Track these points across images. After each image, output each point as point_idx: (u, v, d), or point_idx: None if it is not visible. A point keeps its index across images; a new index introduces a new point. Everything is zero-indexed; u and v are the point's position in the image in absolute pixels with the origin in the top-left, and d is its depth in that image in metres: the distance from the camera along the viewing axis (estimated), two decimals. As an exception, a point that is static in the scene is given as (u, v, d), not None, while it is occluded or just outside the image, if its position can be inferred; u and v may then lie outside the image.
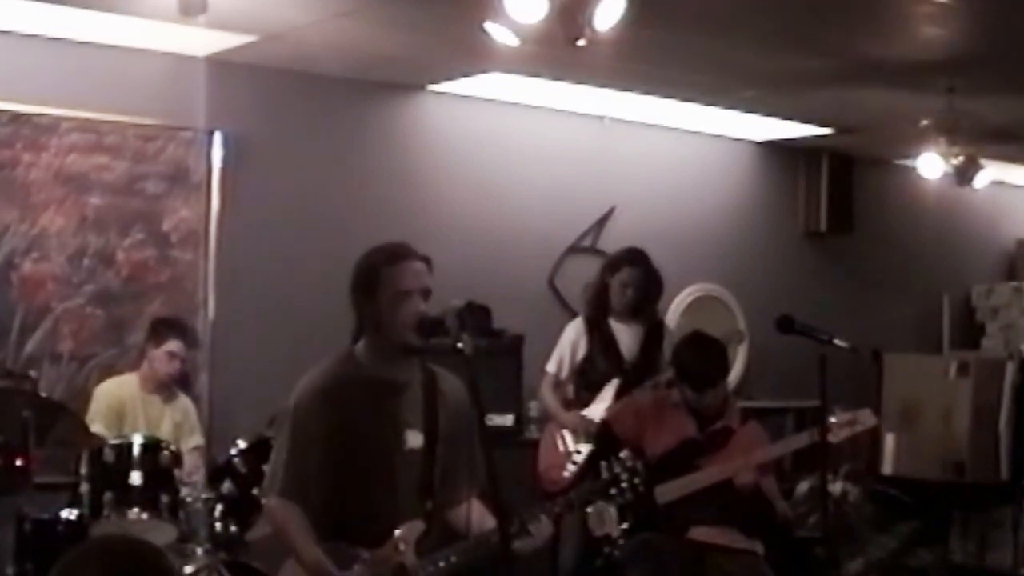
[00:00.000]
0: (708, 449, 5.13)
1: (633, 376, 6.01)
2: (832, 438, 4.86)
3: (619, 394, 5.95)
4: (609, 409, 5.85)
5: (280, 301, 6.40)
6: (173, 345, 5.66)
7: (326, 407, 3.47)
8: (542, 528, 3.45)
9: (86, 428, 5.17)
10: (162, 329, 5.72)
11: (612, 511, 4.92)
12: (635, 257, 6.20)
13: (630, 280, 6.10)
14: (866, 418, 5.02)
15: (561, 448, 6.01)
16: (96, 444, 4.95)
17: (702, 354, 5.22)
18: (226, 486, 5.07)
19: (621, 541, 5.04)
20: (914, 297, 9.22)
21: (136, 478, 4.87)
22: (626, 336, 6.14)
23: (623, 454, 3.74)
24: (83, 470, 4.92)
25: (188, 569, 4.85)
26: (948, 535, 7.67)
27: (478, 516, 3.50)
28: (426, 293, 3.49)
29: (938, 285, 9.36)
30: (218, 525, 5.01)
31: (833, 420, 4.91)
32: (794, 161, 8.60)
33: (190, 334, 5.79)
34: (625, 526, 5.01)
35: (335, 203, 6.69)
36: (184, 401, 5.81)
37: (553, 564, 6.01)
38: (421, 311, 3.45)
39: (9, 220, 5.82)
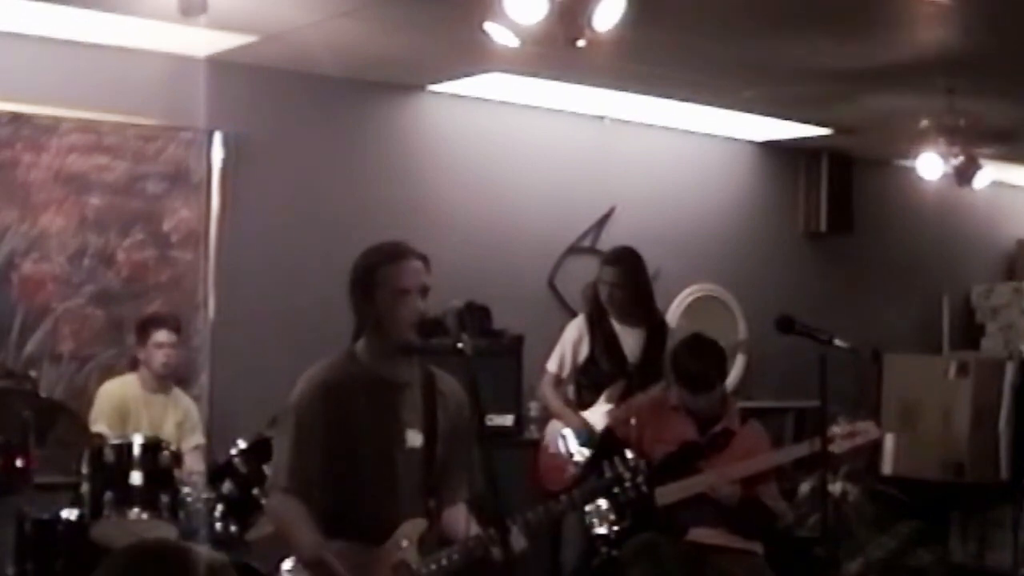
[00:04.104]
0: (708, 451, 5.13)
1: (637, 378, 6.00)
2: (835, 449, 4.86)
3: (623, 396, 5.94)
4: (611, 412, 5.84)
5: (280, 301, 6.40)
6: (160, 336, 5.66)
7: (328, 404, 3.48)
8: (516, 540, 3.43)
9: (86, 428, 5.17)
10: (145, 325, 5.73)
11: (610, 510, 4.93)
12: (616, 256, 6.19)
13: (609, 278, 6.08)
14: (869, 430, 5.02)
15: (563, 449, 6.00)
16: (96, 444, 4.95)
17: (699, 357, 5.21)
18: (226, 486, 5.07)
19: (614, 539, 5.04)
20: (914, 297, 9.22)
21: (136, 478, 4.88)
22: (628, 337, 6.12)
23: (627, 454, 3.74)
24: (83, 470, 4.92)
25: (188, 569, 4.84)
26: (948, 535, 7.67)
27: (464, 522, 3.51)
28: (424, 291, 3.50)
29: (938, 285, 9.35)
30: (218, 525, 5.01)
31: (836, 430, 4.90)
32: (794, 161, 8.60)
33: (174, 323, 5.78)
34: (620, 527, 5.01)
35: (335, 203, 6.69)
36: (185, 400, 5.81)
37: (554, 564, 6.01)
38: (420, 309, 3.46)
39: (9, 220, 5.82)
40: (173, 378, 5.79)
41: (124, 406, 5.59)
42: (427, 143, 7.12)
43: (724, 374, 5.35)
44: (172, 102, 6.17)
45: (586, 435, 5.88)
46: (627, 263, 6.13)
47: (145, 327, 5.71)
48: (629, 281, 6.08)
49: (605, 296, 6.07)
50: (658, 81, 6.75)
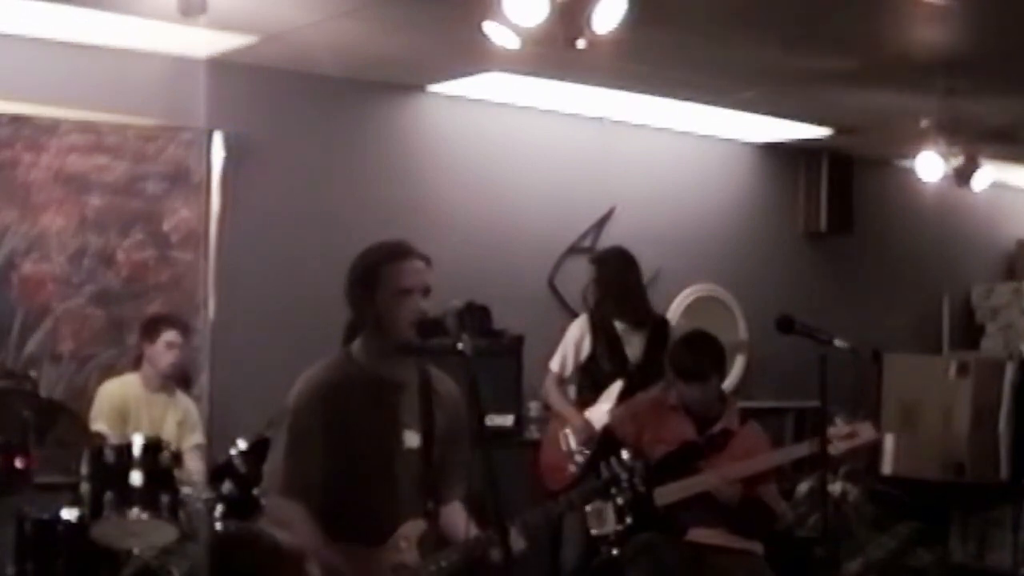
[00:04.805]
0: (707, 452, 5.13)
1: (637, 377, 6.00)
2: (832, 450, 4.85)
3: (623, 396, 5.94)
4: (611, 412, 5.85)
5: (280, 301, 6.40)
6: (169, 335, 5.66)
7: (325, 406, 3.47)
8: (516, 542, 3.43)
9: (86, 428, 5.17)
10: (155, 324, 5.73)
11: (610, 510, 4.94)
12: (599, 256, 6.37)
13: (590, 276, 6.20)
14: (866, 432, 5.01)
15: (564, 447, 6.01)
16: (96, 444, 4.95)
17: (695, 349, 5.23)
18: (226, 486, 5.07)
19: (614, 539, 5.05)
20: (914, 297, 9.22)
21: (136, 478, 4.87)
22: (630, 337, 6.14)
23: (623, 454, 3.75)
24: (83, 470, 4.92)
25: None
26: (948, 535, 7.67)
27: (463, 522, 3.52)
28: (427, 291, 3.49)
29: (938, 285, 9.36)
30: (218, 525, 5.01)
31: (834, 431, 4.90)
32: (794, 161, 8.60)
33: (183, 324, 5.79)
34: (620, 527, 5.01)
35: (335, 203, 6.69)
36: (184, 399, 5.81)
37: (554, 564, 6.02)
38: (422, 309, 3.45)
39: (9, 220, 5.82)
40: (177, 378, 5.79)
41: (125, 406, 5.59)
42: (427, 143, 7.12)
43: (720, 368, 5.31)
44: (172, 102, 6.16)
45: (586, 434, 5.89)
46: (609, 262, 6.18)
47: (155, 327, 5.70)
48: (610, 280, 6.13)
49: (588, 293, 6.16)
50: (658, 81, 6.75)
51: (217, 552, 1.93)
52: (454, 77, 6.77)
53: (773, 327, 4.57)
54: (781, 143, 8.35)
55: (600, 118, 7.61)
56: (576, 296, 7.01)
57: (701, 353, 5.19)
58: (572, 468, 5.91)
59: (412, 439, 3.53)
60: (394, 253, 3.52)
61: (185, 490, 4.99)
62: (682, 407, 5.22)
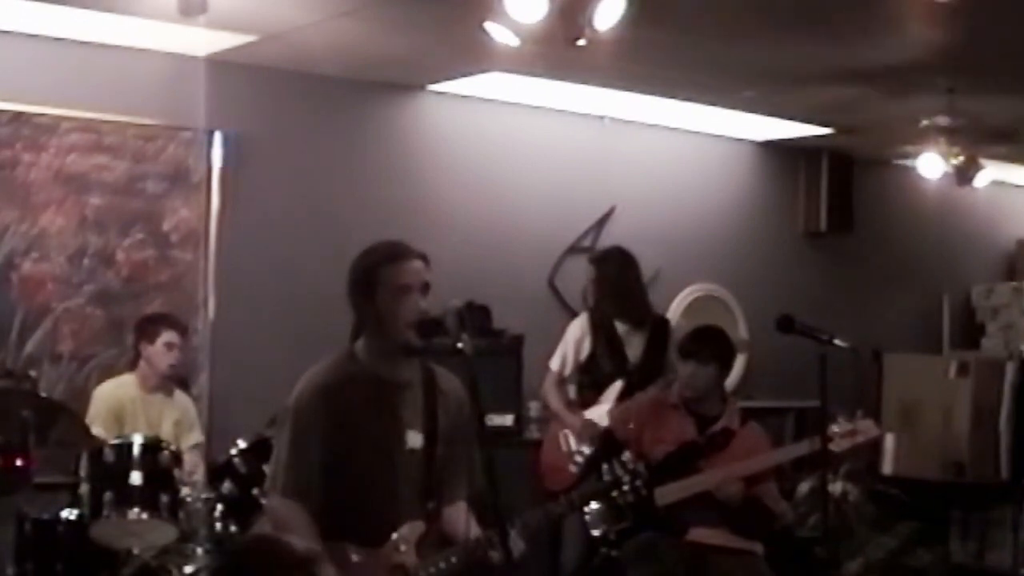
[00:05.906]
0: (708, 451, 5.13)
1: (637, 377, 6.00)
2: (834, 447, 4.85)
3: (623, 396, 5.94)
4: (611, 412, 5.84)
5: (280, 301, 6.40)
6: (169, 336, 5.65)
7: (327, 405, 3.47)
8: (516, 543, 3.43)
9: (86, 428, 5.16)
10: (153, 325, 5.71)
11: (610, 511, 4.94)
12: (598, 255, 6.36)
13: (589, 276, 6.20)
14: (868, 429, 5.01)
15: (565, 447, 6.00)
16: (96, 444, 4.95)
17: (700, 334, 5.35)
18: (226, 486, 5.07)
19: (614, 539, 5.05)
20: (914, 297, 9.22)
21: (136, 478, 4.87)
22: (630, 336, 6.13)
23: (625, 456, 3.76)
24: (83, 470, 4.92)
25: (188, 569, 4.85)
26: (948, 535, 7.67)
27: (464, 522, 3.52)
28: (425, 289, 3.50)
29: (938, 285, 9.36)
30: (218, 525, 5.00)
31: (835, 429, 4.90)
32: (794, 161, 8.60)
33: (181, 325, 5.78)
34: (620, 527, 5.01)
35: (335, 203, 6.69)
36: (182, 398, 5.80)
37: (554, 564, 6.01)
38: (422, 308, 3.46)
39: (9, 220, 5.82)
40: (176, 379, 5.78)
41: (120, 408, 5.56)
42: (427, 143, 7.12)
43: (721, 358, 5.29)
44: (172, 102, 6.17)
45: (588, 433, 5.88)
46: (609, 262, 6.18)
47: (153, 328, 5.68)
48: (610, 280, 6.13)
49: (588, 293, 6.17)
50: (658, 81, 6.75)
51: (234, 560, 1.93)
52: (454, 77, 6.77)
53: (773, 327, 4.57)
54: (781, 142, 8.35)
55: (603, 117, 7.61)
56: (576, 296, 7.01)
57: (705, 339, 5.27)
58: (573, 468, 5.90)
59: (415, 439, 3.53)
60: (392, 254, 3.53)
61: (184, 490, 4.98)
62: (683, 406, 5.22)
